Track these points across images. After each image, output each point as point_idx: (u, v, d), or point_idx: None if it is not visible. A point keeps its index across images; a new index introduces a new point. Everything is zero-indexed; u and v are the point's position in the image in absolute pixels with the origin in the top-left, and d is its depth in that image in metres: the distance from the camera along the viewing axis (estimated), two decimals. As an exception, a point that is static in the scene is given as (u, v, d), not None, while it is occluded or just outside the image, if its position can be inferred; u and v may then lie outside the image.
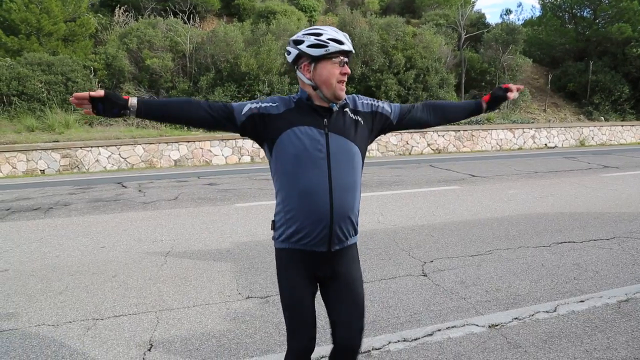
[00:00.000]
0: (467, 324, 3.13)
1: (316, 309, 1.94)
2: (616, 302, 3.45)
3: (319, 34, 1.74)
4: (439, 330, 3.05)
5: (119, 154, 11.93)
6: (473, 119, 16.30)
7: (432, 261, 4.38)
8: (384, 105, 1.96)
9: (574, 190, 7.78)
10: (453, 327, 3.09)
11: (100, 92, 1.66)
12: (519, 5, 55.60)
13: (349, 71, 1.80)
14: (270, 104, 1.80)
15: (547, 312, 3.30)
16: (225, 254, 4.66)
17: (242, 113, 1.78)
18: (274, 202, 1.94)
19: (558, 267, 4.20)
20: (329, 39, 1.73)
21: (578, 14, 21.58)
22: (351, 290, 1.91)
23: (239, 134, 1.86)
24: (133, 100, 1.69)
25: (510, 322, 3.16)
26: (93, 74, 14.21)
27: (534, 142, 16.14)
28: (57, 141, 11.63)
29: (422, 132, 14.62)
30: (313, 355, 1.97)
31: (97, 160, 11.72)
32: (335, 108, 1.82)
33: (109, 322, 3.23)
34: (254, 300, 3.56)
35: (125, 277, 4.06)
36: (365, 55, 15.93)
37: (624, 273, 4.04)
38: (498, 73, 18.15)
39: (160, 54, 14.81)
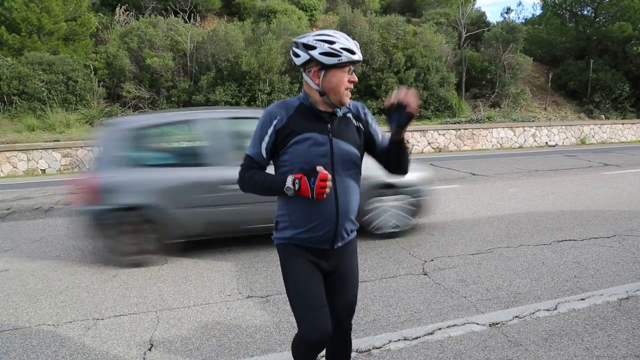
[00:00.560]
0: (468, 323, 3.13)
1: None
2: (617, 299, 3.45)
3: (332, 42, 1.73)
4: (440, 329, 3.05)
5: (120, 154, 11.91)
6: (474, 117, 16.29)
7: (432, 260, 4.38)
8: (370, 121, 1.95)
9: (574, 188, 7.77)
10: (454, 325, 3.09)
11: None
12: (519, 4, 55.42)
13: (357, 79, 1.82)
14: (274, 122, 1.80)
15: (547, 310, 3.30)
16: (226, 253, 4.66)
17: (263, 154, 1.83)
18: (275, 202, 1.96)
19: (559, 265, 4.20)
20: (342, 49, 1.73)
21: (579, 13, 21.53)
22: (348, 280, 2.00)
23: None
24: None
25: (510, 320, 3.16)
26: (94, 73, 14.21)
27: (535, 140, 16.11)
28: (58, 140, 11.63)
29: (423, 130, 14.60)
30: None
31: (98, 160, 11.71)
32: (340, 114, 1.84)
33: (109, 322, 3.23)
34: (254, 300, 3.56)
35: (126, 277, 4.06)
36: (365, 54, 15.89)
37: (624, 271, 4.04)
38: (499, 71, 18.12)
39: (160, 53, 14.80)
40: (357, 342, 2.85)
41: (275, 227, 1.94)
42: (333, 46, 1.72)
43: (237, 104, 14.48)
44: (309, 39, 1.76)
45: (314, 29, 18.71)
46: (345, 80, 1.77)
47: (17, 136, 11.75)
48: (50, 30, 14.75)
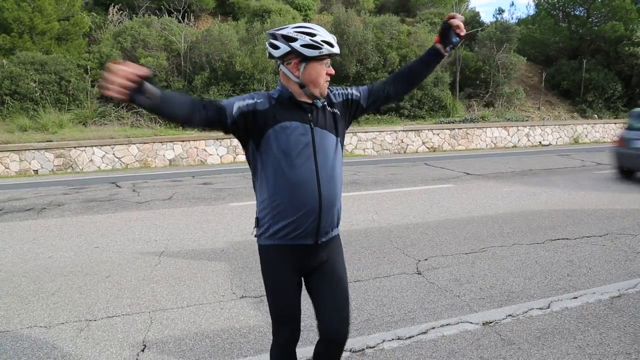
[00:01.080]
0: (461, 322, 3.13)
1: (302, 306, 1.96)
2: (609, 298, 3.47)
3: (313, 34, 1.73)
4: (433, 328, 3.06)
5: (113, 154, 11.86)
6: (468, 116, 16.35)
7: (426, 259, 4.39)
8: (354, 92, 1.99)
9: (567, 187, 7.82)
10: (447, 324, 3.10)
11: (147, 72, 1.51)
12: (512, 4, 55.64)
13: (333, 72, 1.84)
14: (257, 99, 1.78)
15: (540, 308, 3.31)
16: (220, 253, 4.65)
17: (233, 112, 1.74)
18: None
19: (552, 264, 4.22)
20: (323, 41, 1.74)
21: (572, 13, 21.66)
22: (335, 280, 1.95)
23: (223, 132, 1.82)
24: (157, 90, 1.56)
25: (504, 319, 3.17)
26: (87, 73, 14.12)
27: (529, 140, 16.20)
28: (51, 141, 11.55)
29: (417, 130, 14.64)
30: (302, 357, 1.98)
31: (91, 160, 11.65)
32: (319, 105, 1.84)
33: (102, 323, 3.21)
34: (248, 300, 3.55)
35: (119, 278, 4.04)
36: (360, 53, 15.93)
37: (616, 269, 4.07)
38: (492, 71, 18.19)
39: (154, 53, 14.74)
40: (351, 341, 2.85)
41: (256, 224, 1.90)
42: (314, 38, 1.73)
43: (232, 103, 14.44)
44: (288, 30, 1.75)
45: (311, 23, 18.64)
46: (324, 73, 1.78)
47: (9, 136, 11.66)
48: (42, 30, 14.64)
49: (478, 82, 18.61)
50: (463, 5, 21.52)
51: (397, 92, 2.04)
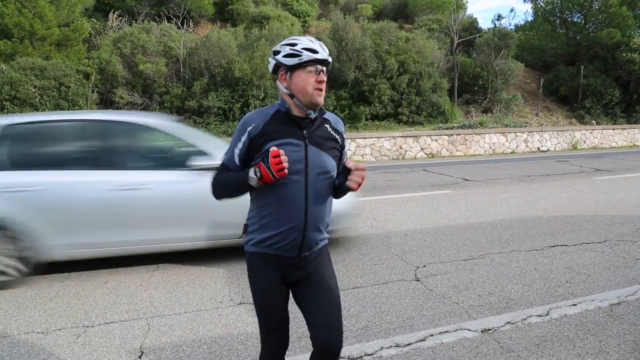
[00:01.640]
0: (460, 329, 3.12)
1: (290, 314, 1.98)
2: (608, 305, 3.47)
3: (294, 44, 1.79)
4: (432, 335, 3.05)
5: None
6: (466, 122, 16.40)
7: (424, 266, 4.38)
8: (345, 148, 2.03)
9: (566, 193, 7.83)
10: (446, 332, 3.09)
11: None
12: (512, 10, 56.08)
13: (325, 79, 1.84)
14: (249, 129, 1.81)
15: (539, 316, 3.31)
16: (218, 259, 4.64)
17: (237, 162, 1.85)
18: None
19: (550, 270, 4.22)
20: (303, 49, 1.77)
21: (569, 19, 21.82)
22: (324, 289, 1.94)
23: None
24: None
25: (503, 326, 3.16)
26: (86, 78, 14.15)
27: (527, 145, 16.23)
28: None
29: (416, 136, 14.66)
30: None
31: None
32: (313, 116, 1.85)
33: (99, 329, 3.20)
34: (246, 307, 3.54)
35: (116, 284, 4.03)
36: (358, 60, 15.99)
37: (615, 276, 4.06)
38: (491, 77, 18.27)
39: (153, 59, 14.78)
40: (349, 348, 2.84)
41: (244, 230, 1.93)
42: (294, 47, 1.77)
43: (230, 109, 14.48)
44: (276, 45, 1.84)
45: (307, 35, 18.75)
46: (311, 81, 1.79)
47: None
48: (42, 36, 14.68)
49: (476, 88, 18.69)
50: (461, 11, 21.62)
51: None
